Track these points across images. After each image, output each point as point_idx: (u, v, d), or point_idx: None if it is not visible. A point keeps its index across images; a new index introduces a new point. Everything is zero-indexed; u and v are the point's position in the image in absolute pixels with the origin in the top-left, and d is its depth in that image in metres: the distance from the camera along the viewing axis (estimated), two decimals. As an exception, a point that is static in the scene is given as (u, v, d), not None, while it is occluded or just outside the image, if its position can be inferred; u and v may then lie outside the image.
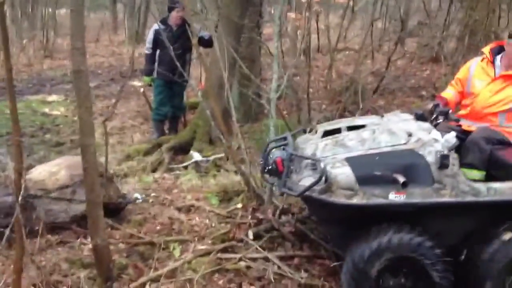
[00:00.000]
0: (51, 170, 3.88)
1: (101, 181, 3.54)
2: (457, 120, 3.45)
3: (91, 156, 2.57)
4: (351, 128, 3.32)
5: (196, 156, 5.44)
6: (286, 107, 7.39)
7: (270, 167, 3.23)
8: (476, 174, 3.16)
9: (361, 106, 7.53)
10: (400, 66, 10.40)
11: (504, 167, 3.15)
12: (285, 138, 3.45)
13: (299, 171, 3.15)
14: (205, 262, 3.42)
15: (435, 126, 3.32)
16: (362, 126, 3.30)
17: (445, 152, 2.90)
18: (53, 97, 9.20)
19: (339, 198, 2.87)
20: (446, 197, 2.88)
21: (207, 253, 3.55)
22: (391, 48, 9.83)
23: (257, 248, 3.65)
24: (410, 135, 3.06)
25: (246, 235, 3.84)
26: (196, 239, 3.74)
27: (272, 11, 10.91)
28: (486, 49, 3.62)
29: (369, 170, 2.88)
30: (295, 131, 3.85)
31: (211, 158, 5.41)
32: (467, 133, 3.39)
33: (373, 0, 10.42)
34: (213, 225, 4.01)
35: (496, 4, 8.37)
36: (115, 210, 3.99)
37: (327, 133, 3.35)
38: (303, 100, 6.68)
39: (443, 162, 2.87)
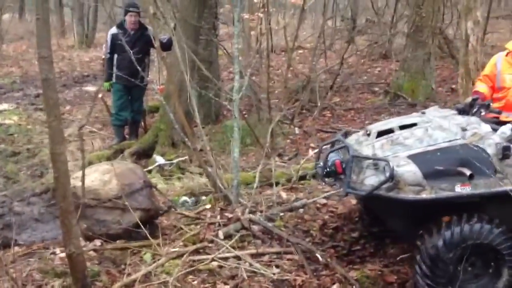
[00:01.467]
0: (103, 179, 3.80)
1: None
2: (499, 112, 3.68)
3: (62, 164, 2.56)
4: (403, 127, 3.45)
5: (159, 160, 5.43)
6: (244, 107, 7.48)
7: (329, 169, 3.39)
8: None
9: (319, 103, 7.73)
10: (352, 63, 10.72)
11: None
12: (334, 142, 3.70)
13: (360, 172, 3.26)
14: (178, 264, 3.43)
15: None
16: (414, 125, 3.45)
17: (504, 143, 3.10)
18: (4, 106, 8.89)
19: (408, 194, 3.03)
20: (509, 185, 3.03)
21: (180, 255, 3.56)
22: (343, 46, 10.13)
23: (228, 248, 3.70)
24: (464, 129, 3.25)
25: (217, 235, 3.89)
26: (167, 242, 3.75)
27: (226, 11, 10.97)
28: (510, 45, 3.86)
29: (434, 166, 3.04)
30: (341, 134, 3.91)
31: (175, 161, 5.42)
32: (504, 124, 3.53)
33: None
34: (183, 227, 4.03)
35: (440, 1, 8.75)
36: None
37: (380, 134, 3.47)
38: (262, 100, 6.79)
39: (504, 153, 3.06)
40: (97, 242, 3.64)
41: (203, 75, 6.44)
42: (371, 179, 3.17)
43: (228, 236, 3.88)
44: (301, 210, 4.50)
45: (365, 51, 11.09)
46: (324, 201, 4.68)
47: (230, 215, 4.16)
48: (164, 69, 7.46)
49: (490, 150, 3.10)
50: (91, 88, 10.40)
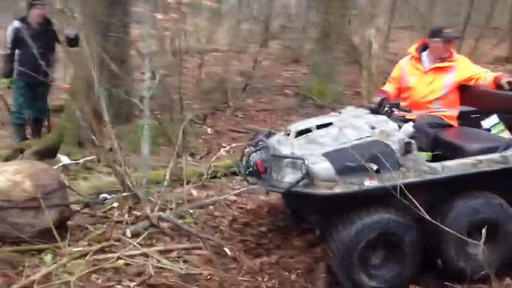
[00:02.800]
0: (15, 180, 3.54)
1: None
2: (409, 111, 3.94)
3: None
4: (319, 127, 3.63)
5: (64, 159, 5.22)
6: (157, 107, 7.38)
7: (251, 169, 3.54)
8: (424, 155, 3.59)
9: (230, 104, 7.83)
10: (265, 66, 10.97)
11: (448, 145, 3.68)
12: (257, 142, 3.84)
13: (279, 170, 3.40)
14: (81, 264, 3.34)
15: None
16: (329, 124, 3.63)
17: (406, 139, 3.34)
18: None
19: (322, 189, 3.21)
20: (411, 178, 3.28)
21: (83, 255, 3.46)
22: (256, 50, 10.34)
23: (135, 246, 3.65)
24: (373, 127, 3.48)
25: (124, 234, 3.82)
26: (70, 243, 3.62)
27: (139, 10, 10.75)
28: (412, 49, 4.19)
29: (345, 162, 3.24)
30: (264, 134, 4.06)
31: (81, 161, 5.24)
32: (409, 121, 3.83)
33: (239, 3, 10.81)
34: (88, 227, 3.91)
35: (346, 9, 9.22)
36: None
37: (299, 133, 3.62)
38: (175, 100, 6.75)
39: (406, 149, 3.31)
40: (-6, 245, 3.44)
41: (114, 73, 6.31)
42: (289, 177, 3.33)
43: (136, 234, 3.83)
44: (211, 207, 4.55)
45: (278, 55, 11.39)
46: (234, 198, 4.77)
47: (138, 213, 4.11)
48: (71, 66, 7.20)
49: (395, 146, 3.34)
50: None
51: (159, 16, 8.50)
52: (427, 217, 2.98)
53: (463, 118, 4.17)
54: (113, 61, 5.69)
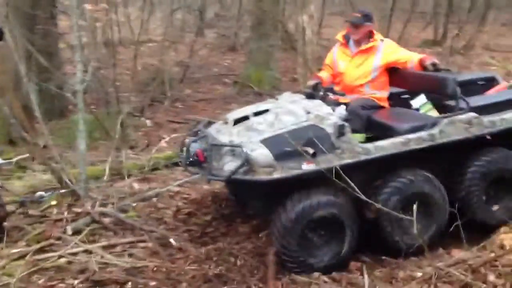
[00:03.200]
0: None
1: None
2: (343, 94, 4.02)
3: None
4: (257, 114, 3.65)
5: (-7, 160, 4.98)
6: (92, 101, 7.18)
7: (191, 159, 3.52)
8: (359, 137, 3.68)
9: (169, 95, 7.74)
10: (202, 56, 10.90)
11: (380, 126, 3.80)
12: (197, 132, 3.81)
13: (220, 159, 3.41)
14: (21, 265, 3.23)
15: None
16: (266, 111, 3.67)
17: (340, 122, 3.44)
18: None
19: (262, 175, 3.27)
20: (346, 159, 3.38)
21: (22, 256, 3.35)
22: (192, 39, 10.25)
23: (77, 243, 3.57)
24: (308, 112, 3.53)
25: (64, 231, 3.73)
26: (8, 244, 3.49)
27: (65, 2, 10.35)
28: (339, 36, 4.28)
29: (282, 148, 3.30)
30: (203, 124, 4.06)
31: (14, 159, 5.02)
32: (342, 105, 3.89)
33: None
34: (25, 227, 3.78)
35: (279, -3, 9.33)
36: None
37: (237, 121, 3.63)
38: (110, 93, 6.59)
39: (340, 131, 3.40)
40: None
41: (43, 67, 6.06)
42: (229, 165, 3.36)
43: (77, 232, 3.75)
44: (154, 199, 4.52)
45: (214, 44, 11.35)
46: (177, 188, 4.75)
47: (79, 210, 4.03)
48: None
49: (329, 130, 3.45)
50: None
51: (88, 6, 8.23)
52: (362, 196, 3.12)
53: (393, 99, 4.35)
54: (41, 54, 5.47)
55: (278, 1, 9.16)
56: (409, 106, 4.22)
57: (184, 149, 3.69)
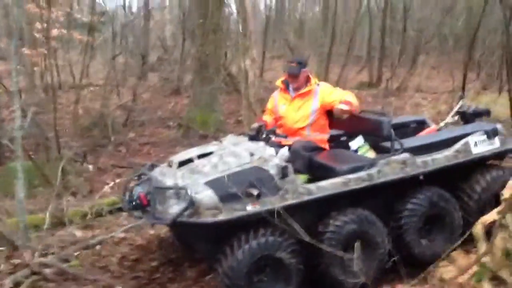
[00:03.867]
0: None
1: None
2: (285, 137, 4.09)
3: None
4: (201, 156, 3.67)
5: None
6: (30, 147, 6.94)
7: (134, 203, 3.47)
8: (301, 178, 3.74)
9: (112, 139, 7.63)
10: (145, 99, 10.88)
11: (321, 167, 3.88)
12: (140, 175, 3.79)
13: (164, 201, 3.37)
14: (-47, 324, 3.01)
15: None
16: (210, 153, 3.70)
17: (283, 164, 3.50)
18: None
19: (207, 217, 3.28)
20: (290, 200, 3.44)
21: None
22: (135, 83, 10.23)
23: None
24: (252, 154, 3.59)
25: (1, 285, 3.52)
26: None
27: (2, 46, 10.10)
28: (278, 82, 4.42)
29: (227, 189, 3.32)
30: (147, 167, 3.98)
31: None
32: (285, 146, 3.94)
33: (112, 36, 10.61)
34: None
35: (221, 40, 9.54)
36: None
37: (181, 164, 3.63)
38: (50, 138, 6.42)
39: (283, 172, 3.47)
40: None
41: (-21, 114, 5.84)
42: (174, 208, 3.36)
43: (16, 284, 3.56)
44: (98, 247, 4.38)
45: (158, 87, 11.36)
46: (123, 235, 4.63)
47: (17, 261, 3.83)
48: None
49: (273, 171, 3.53)
50: None
51: (26, 51, 8.06)
52: (304, 236, 3.19)
53: (333, 141, 4.51)
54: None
55: (221, 45, 9.37)
56: (348, 148, 4.39)
57: (127, 193, 3.66)
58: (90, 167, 6.68)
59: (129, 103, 9.33)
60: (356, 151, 4.27)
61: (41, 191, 5.85)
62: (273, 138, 4.11)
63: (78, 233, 4.61)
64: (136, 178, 3.92)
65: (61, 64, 11.15)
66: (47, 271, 3.75)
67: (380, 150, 4.22)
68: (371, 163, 3.89)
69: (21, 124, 4.21)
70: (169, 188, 3.45)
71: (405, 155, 3.96)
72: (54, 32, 7.55)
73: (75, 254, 4.13)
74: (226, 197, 3.34)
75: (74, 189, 5.80)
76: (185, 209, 3.27)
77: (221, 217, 3.30)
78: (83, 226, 4.78)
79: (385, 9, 14.90)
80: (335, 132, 4.54)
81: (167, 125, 9.54)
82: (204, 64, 8.93)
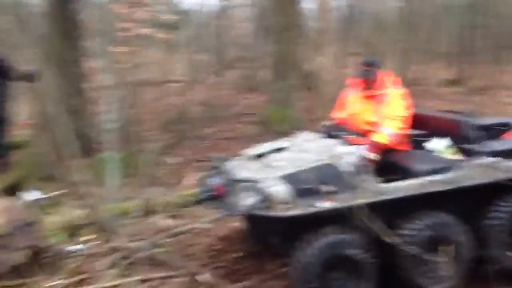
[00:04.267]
0: None
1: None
2: (358, 135, 4.01)
3: None
4: (275, 151, 3.76)
5: (31, 195, 5.13)
6: (120, 140, 7.35)
7: (210, 193, 3.58)
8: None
9: (193, 133, 7.91)
10: (223, 96, 11.15)
11: (397, 168, 3.81)
12: (215, 167, 3.90)
13: (238, 194, 3.45)
14: (60, 298, 3.29)
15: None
16: (285, 148, 3.77)
17: (358, 162, 3.51)
18: None
19: (280, 211, 3.28)
20: (364, 199, 3.40)
21: (61, 289, 3.42)
22: (213, 79, 10.53)
23: (111, 277, 3.63)
24: (326, 151, 3.62)
25: (99, 266, 3.79)
26: (46, 277, 3.56)
27: (93, 45, 10.73)
28: (351, 80, 4.40)
29: (301, 185, 3.36)
30: (223, 160, 4.12)
31: (49, 195, 5.16)
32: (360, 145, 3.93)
33: (193, 34, 10.99)
34: (62, 261, 3.85)
35: (298, 38, 9.56)
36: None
37: (256, 158, 3.73)
38: (137, 131, 6.77)
39: (359, 171, 3.47)
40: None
41: (73, 108, 6.29)
42: (248, 200, 3.40)
43: (111, 266, 3.81)
44: (184, 236, 4.58)
45: (235, 84, 11.59)
46: (207, 225, 4.81)
47: (112, 245, 4.09)
48: (30, 102, 7.09)
49: (348, 169, 3.51)
50: None
51: (114, 49, 8.54)
52: (387, 235, 3.13)
53: (412, 141, 4.35)
54: (71, 95, 5.71)
55: (297, 42, 9.39)
56: (422, 148, 4.24)
57: (203, 184, 3.77)
58: (174, 159, 6.97)
59: (207, 99, 9.61)
60: (435, 152, 4.14)
61: (130, 181, 6.20)
62: (347, 136, 4.08)
63: (166, 222, 4.85)
64: (212, 170, 4.05)
65: (144, 62, 11.72)
66: (139, 255, 3.99)
67: (463, 153, 4.05)
68: (453, 165, 3.76)
69: (113, 118, 4.49)
70: (244, 180, 3.53)
71: (491, 159, 3.79)
72: (138, 30, 7.95)
73: (163, 241, 4.35)
74: (300, 192, 3.36)
75: (160, 180, 6.09)
76: (259, 202, 3.33)
77: (294, 211, 3.31)
78: (170, 215, 5.01)
79: (468, 4, 14.22)
80: (414, 132, 4.40)
81: (244, 121, 9.73)
82: (280, 61, 9.00)
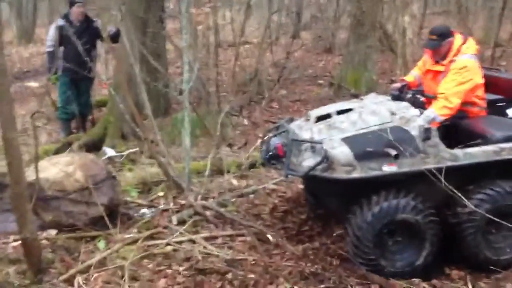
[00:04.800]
0: (67, 171, 3.76)
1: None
2: (433, 97, 3.82)
3: (15, 150, 2.57)
4: (340, 112, 3.66)
5: (109, 152, 5.43)
6: (193, 100, 7.54)
7: (271, 153, 3.57)
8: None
9: (266, 95, 7.91)
10: (298, 57, 10.99)
11: (469, 134, 3.57)
12: (278, 127, 3.86)
13: (299, 154, 3.45)
14: (133, 249, 3.50)
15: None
16: (349, 110, 3.67)
17: (426, 125, 3.35)
18: None
19: (341, 174, 3.24)
20: (431, 164, 3.28)
21: (134, 241, 3.63)
22: (288, 41, 10.37)
23: (182, 232, 3.80)
24: (393, 113, 3.49)
25: (170, 221, 3.98)
26: (121, 230, 3.80)
27: (171, 7, 10.95)
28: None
29: (364, 147, 3.28)
30: (285, 120, 4.12)
31: (125, 153, 5.43)
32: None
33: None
34: (136, 215, 4.08)
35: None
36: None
37: (319, 119, 3.66)
38: (211, 92, 6.89)
39: (426, 135, 3.31)
40: (51, 232, 3.64)
41: (151, 68, 6.47)
42: (308, 161, 3.36)
43: (181, 222, 3.99)
44: (251, 196, 4.67)
45: (310, 45, 11.36)
46: (274, 186, 4.87)
47: (183, 202, 4.27)
48: (111, 62, 7.42)
49: (414, 132, 3.34)
50: (33, 84, 10.10)
51: (193, 10, 8.66)
52: (464, 200, 2.96)
53: (489, 106, 4.04)
54: (151, 55, 5.86)
55: (378, 1, 8.97)
56: (505, 115, 3.97)
57: (265, 144, 3.73)
58: (245, 121, 7.04)
59: (282, 61, 9.51)
60: None
61: (202, 140, 6.38)
62: (422, 98, 3.88)
63: (234, 182, 4.96)
64: (276, 130, 4.00)
65: (221, 23, 11.78)
66: (208, 213, 4.13)
67: None
68: None
69: (188, 78, 4.58)
70: (306, 141, 3.46)
71: None
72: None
73: (232, 200, 4.46)
74: (362, 155, 3.24)
75: (231, 141, 6.21)
76: (319, 163, 3.24)
77: (355, 174, 3.22)
78: (238, 176, 5.11)
79: None
80: (492, 97, 4.09)
81: (318, 83, 9.55)
82: (359, 21, 8.64)
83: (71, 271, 3.19)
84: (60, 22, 6.03)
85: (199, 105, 7.27)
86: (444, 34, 3.89)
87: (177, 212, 4.12)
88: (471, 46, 3.90)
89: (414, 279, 3.28)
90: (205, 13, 8.19)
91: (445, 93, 3.68)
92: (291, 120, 4.09)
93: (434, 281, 3.29)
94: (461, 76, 3.73)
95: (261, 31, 9.70)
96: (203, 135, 6.41)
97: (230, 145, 6.10)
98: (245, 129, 6.83)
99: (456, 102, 3.66)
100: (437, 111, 3.63)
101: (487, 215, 3.20)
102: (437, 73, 3.97)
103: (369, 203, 3.32)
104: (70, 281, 3.14)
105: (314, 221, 4.22)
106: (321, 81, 9.55)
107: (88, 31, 6.13)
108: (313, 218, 4.26)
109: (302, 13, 13.91)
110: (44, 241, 3.50)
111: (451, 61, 3.85)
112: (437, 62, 3.99)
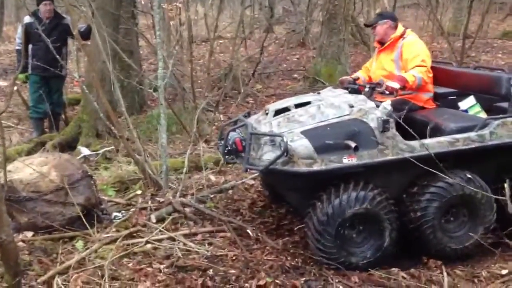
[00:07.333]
0: (42, 171, 3.66)
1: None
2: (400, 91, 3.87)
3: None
4: (298, 106, 3.64)
5: (84, 151, 5.34)
6: (168, 97, 7.48)
7: (229, 148, 3.53)
8: None
9: (242, 91, 7.90)
10: (272, 51, 11.01)
11: (424, 125, 3.61)
12: (236, 122, 3.85)
13: (258, 149, 3.42)
14: (112, 249, 3.46)
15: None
16: (308, 103, 3.64)
17: (384, 117, 3.36)
18: None
19: (301, 167, 3.23)
20: (389, 156, 3.33)
21: (113, 240, 3.58)
22: (262, 35, 10.37)
23: (161, 230, 3.77)
24: (351, 106, 3.49)
25: (149, 219, 3.94)
26: (99, 229, 3.75)
27: (143, 2, 10.82)
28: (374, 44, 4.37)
29: (324, 140, 3.27)
30: (243, 114, 4.13)
31: (101, 151, 5.36)
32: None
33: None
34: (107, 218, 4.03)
35: (351, -10, 9.21)
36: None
37: (277, 112, 3.63)
38: (186, 88, 6.84)
39: (384, 126, 3.33)
40: (28, 234, 3.57)
41: (125, 65, 6.40)
42: (268, 155, 3.35)
43: (160, 220, 3.95)
44: (230, 191, 4.66)
45: (284, 40, 11.39)
46: (252, 181, 4.87)
47: (161, 200, 4.23)
48: (83, 59, 7.29)
49: (373, 124, 3.38)
50: (1, 83, 9.85)
51: (165, 5, 8.56)
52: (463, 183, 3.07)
53: (440, 100, 4.15)
54: (124, 52, 5.78)
55: (351, -5, 9.05)
56: (456, 108, 4.05)
57: (223, 138, 3.70)
58: (221, 116, 7.02)
59: (256, 55, 9.51)
60: (465, 111, 3.93)
61: (178, 137, 6.34)
62: (380, 90, 3.91)
63: (212, 178, 4.94)
64: (232, 124, 3.98)
65: (194, 18, 11.69)
66: (187, 210, 4.11)
67: (496, 112, 3.82)
68: (483, 124, 3.55)
69: (163, 75, 4.53)
70: (265, 134, 3.45)
71: None
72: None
73: (211, 196, 4.45)
74: (322, 148, 3.26)
75: (207, 137, 6.18)
76: (279, 156, 3.23)
77: (316, 167, 3.23)
78: (216, 171, 5.10)
79: None
80: (442, 90, 4.18)
81: (293, 77, 9.61)
82: (331, 15, 8.71)
83: (50, 273, 3.13)
84: (27, 19, 5.89)
85: (175, 101, 7.22)
86: (382, 15, 4.18)
87: (156, 210, 4.09)
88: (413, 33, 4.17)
89: (393, 269, 3.34)
90: (177, 8, 8.14)
91: (419, 56, 3.88)
92: (249, 114, 4.07)
93: (412, 270, 3.35)
94: (419, 45, 3.99)
95: (235, 26, 9.68)
96: (179, 131, 6.37)
97: (207, 141, 6.08)
98: (221, 125, 6.80)
99: (429, 63, 3.86)
100: (420, 74, 3.79)
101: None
102: (388, 49, 4.08)
103: (329, 197, 3.33)
104: (49, 282, 3.08)
105: (293, 214, 4.25)
106: (295, 75, 9.60)
107: (58, 29, 6.01)
108: (292, 212, 4.28)
109: (274, 7, 13.93)
110: (20, 244, 3.42)
111: (397, 40, 4.04)
112: (382, 44, 4.14)
